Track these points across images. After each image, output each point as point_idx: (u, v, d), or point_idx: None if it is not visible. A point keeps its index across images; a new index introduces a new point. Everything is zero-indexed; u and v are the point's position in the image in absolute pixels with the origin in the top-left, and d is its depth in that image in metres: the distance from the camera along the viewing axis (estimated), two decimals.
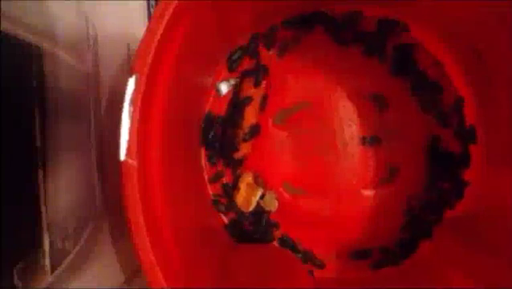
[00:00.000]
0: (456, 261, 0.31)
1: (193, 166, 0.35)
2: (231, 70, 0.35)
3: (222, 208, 0.35)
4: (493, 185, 0.33)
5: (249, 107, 0.35)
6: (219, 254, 0.32)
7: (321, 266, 0.35)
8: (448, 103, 0.35)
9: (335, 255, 0.36)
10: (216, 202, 0.35)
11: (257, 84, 0.35)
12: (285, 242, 0.36)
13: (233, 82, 0.36)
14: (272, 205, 0.36)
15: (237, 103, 0.35)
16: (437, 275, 0.31)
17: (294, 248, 0.36)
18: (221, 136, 0.36)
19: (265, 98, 0.35)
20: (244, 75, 0.35)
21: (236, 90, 0.36)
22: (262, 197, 0.36)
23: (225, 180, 0.36)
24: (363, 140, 0.36)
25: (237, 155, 0.35)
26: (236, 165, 0.36)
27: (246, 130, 0.35)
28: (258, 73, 0.35)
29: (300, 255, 0.36)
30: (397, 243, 0.35)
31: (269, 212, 0.36)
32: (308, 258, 0.36)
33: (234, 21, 0.32)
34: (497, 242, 0.30)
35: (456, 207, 0.35)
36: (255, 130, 0.35)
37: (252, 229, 0.36)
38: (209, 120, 0.35)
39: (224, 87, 0.36)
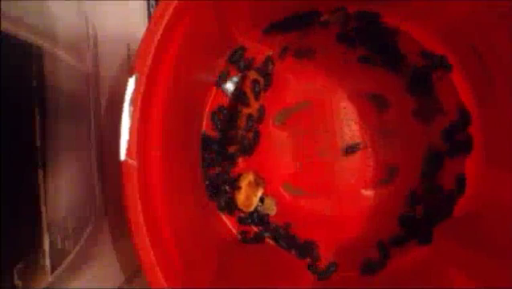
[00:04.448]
0: (456, 261, 0.31)
1: (193, 166, 0.34)
2: (233, 69, 0.36)
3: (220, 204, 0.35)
4: (493, 185, 0.33)
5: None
6: (219, 254, 0.31)
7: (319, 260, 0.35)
8: (447, 100, 0.35)
9: (335, 255, 0.36)
10: (211, 197, 0.35)
11: (266, 86, 0.36)
12: (285, 240, 0.36)
13: (235, 80, 0.36)
14: (271, 209, 0.36)
15: (238, 100, 0.35)
16: (438, 276, 0.31)
17: (293, 246, 0.36)
18: (222, 136, 0.36)
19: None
20: (245, 74, 0.35)
21: (237, 88, 0.36)
22: (262, 200, 0.36)
23: (225, 179, 0.36)
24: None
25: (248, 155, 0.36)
26: (235, 165, 0.36)
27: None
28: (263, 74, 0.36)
29: (299, 252, 0.36)
30: (393, 242, 0.35)
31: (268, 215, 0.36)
32: (308, 253, 0.35)
33: (234, 21, 0.32)
34: (498, 242, 0.30)
35: (457, 207, 0.34)
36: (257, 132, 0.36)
37: (253, 230, 0.36)
38: (211, 120, 0.35)
39: (230, 86, 0.36)
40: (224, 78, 0.36)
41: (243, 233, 0.36)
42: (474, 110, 0.34)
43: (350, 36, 0.36)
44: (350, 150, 0.35)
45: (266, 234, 0.36)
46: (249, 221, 0.36)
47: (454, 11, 0.31)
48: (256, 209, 0.36)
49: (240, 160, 0.36)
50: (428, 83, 0.35)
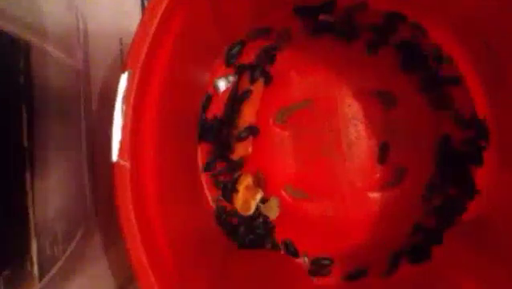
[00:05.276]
0: (468, 268, 0.30)
1: (189, 167, 0.34)
2: (229, 64, 0.34)
3: (220, 210, 0.35)
4: (505, 190, 0.32)
5: (247, 104, 0.34)
6: (215, 258, 0.31)
7: (326, 270, 0.34)
8: (459, 99, 0.34)
9: (341, 260, 0.35)
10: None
11: (254, 81, 0.34)
12: (286, 246, 0.35)
13: (231, 78, 0.35)
14: (274, 211, 0.35)
15: (235, 99, 0.34)
16: (448, 282, 0.30)
17: (296, 253, 0.35)
18: (218, 136, 0.35)
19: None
20: (242, 71, 0.34)
21: (234, 87, 0.35)
22: (263, 201, 0.35)
23: (222, 182, 0.35)
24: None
25: (234, 156, 0.34)
26: (235, 167, 0.35)
27: (242, 129, 0.34)
28: (257, 68, 0.34)
29: (302, 260, 0.35)
30: (406, 249, 0.34)
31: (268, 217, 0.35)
32: (312, 262, 0.35)
33: (232, 13, 0.31)
34: (508, 247, 0.29)
35: (467, 211, 0.34)
36: (252, 129, 0.34)
37: (251, 234, 0.35)
38: (206, 119, 0.34)
39: (222, 84, 0.35)
40: (220, 75, 0.35)
41: (241, 237, 0.34)
42: (487, 111, 0.33)
43: (354, 30, 0.35)
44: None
45: (267, 241, 0.35)
46: (249, 227, 0.35)
47: (464, 4, 0.30)
48: (258, 211, 0.35)
49: (238, 161, 0.35)
50: (438, 79, 0.34)
